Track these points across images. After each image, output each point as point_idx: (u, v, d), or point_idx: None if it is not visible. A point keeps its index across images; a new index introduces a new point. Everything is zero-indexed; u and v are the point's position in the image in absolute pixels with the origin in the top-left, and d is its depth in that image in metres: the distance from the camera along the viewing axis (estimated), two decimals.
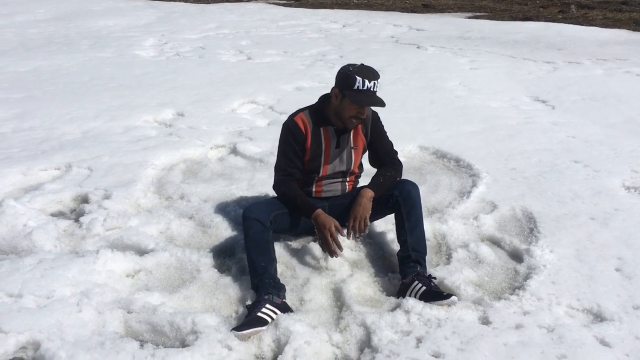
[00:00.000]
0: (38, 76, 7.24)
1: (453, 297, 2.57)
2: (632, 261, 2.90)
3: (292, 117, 2.97)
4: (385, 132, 3.13)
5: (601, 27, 12.20)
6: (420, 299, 2.59)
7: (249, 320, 2.43)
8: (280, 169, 2.98)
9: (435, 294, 2.60)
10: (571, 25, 12.31)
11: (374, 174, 3.06)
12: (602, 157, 4.41)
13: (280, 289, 2.64)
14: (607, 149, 4.59)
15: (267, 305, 2.49)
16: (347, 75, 2.75)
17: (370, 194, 2.90)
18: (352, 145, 3.01)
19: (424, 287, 2.63)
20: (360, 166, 3.17)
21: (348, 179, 3.12)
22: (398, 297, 2.68)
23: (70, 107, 5.75)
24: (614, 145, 4.67)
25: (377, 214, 3.03)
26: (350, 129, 2.96)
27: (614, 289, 2.67)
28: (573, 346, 2.28)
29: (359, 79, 2.71)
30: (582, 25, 12.47)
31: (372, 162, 3.17)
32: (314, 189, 3.07)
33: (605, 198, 3.65)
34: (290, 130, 2.92)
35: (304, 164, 2.99)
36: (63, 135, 4.87)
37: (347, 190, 3.12)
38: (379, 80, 2.78)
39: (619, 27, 12.12)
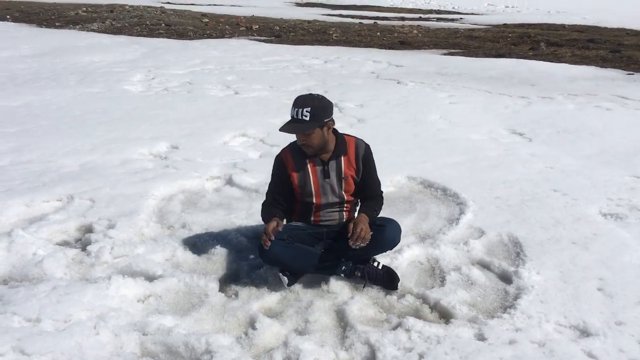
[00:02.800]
0: (30, 111, 7.32)
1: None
2: (612, 282, 3.13)
3: (281, 150, 3.24)
4: (375, 168, 3.25)
5: (570, 63, 12.82)
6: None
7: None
8: (267, 194, 3.29)
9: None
10: (542, 62, 12.90)
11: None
12: (579, 186, 4.69)
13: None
14: (583, 179, 4.88)
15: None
16: None
17: (367, 218, 3.04)
18: (342, 176, 3.14)
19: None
20: (355, 195, 3.29)
21: (345, 207, 3.29)
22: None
23: (66, 140, 5.85)
24: (590, 175, 4.97)
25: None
26: (310, 155, 3.09)
27: (598, 307, 2.89)
28: (564, 359, 2.48)
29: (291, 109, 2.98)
30: (552, 62, 13.09)
31: (356, 194, 3.26)
32: (312, 218, 3.27)
33: (584, 224, 3.91)
34: (276, 164, 3.24)
35: (295, 196, 3.21)
36: (61, 168, 4.96)
37: (344, 219, 3.29)
38: (302, 108, 2.90)
39: (587, 64, 12.75)
